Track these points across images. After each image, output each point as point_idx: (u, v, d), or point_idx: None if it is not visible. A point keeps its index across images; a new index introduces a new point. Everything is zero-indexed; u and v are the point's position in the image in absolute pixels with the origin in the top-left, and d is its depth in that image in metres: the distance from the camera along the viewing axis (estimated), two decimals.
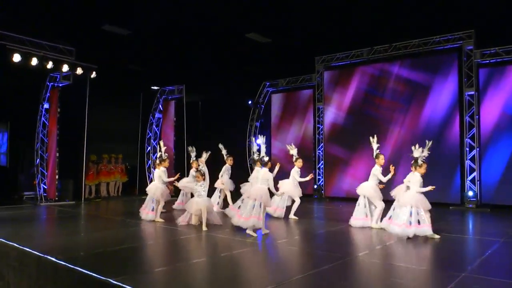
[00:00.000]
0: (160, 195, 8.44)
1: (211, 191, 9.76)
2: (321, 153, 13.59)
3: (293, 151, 9.13)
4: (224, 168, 9.96)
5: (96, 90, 12.14)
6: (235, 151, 10.25)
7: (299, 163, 8.98)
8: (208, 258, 5.68)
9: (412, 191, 6.68)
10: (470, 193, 10.66)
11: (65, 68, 10.84)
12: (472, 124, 10.80)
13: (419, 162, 6.82)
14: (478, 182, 10.64)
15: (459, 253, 6.04)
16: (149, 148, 14.50)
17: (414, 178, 6.73)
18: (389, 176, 7.50)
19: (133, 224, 8.24)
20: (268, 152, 15.30)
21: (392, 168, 7.47)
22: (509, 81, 10.48)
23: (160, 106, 14.39)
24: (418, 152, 6.86)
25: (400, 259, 5.65)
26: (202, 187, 7.60)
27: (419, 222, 6.46)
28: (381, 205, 7.55)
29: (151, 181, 14.07)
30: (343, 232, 7.47)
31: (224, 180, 9.86)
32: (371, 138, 7.95)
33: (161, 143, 9.41)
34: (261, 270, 5.17)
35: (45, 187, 11.75)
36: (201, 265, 5.20)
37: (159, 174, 8.56)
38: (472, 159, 10.75)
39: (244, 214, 6.90)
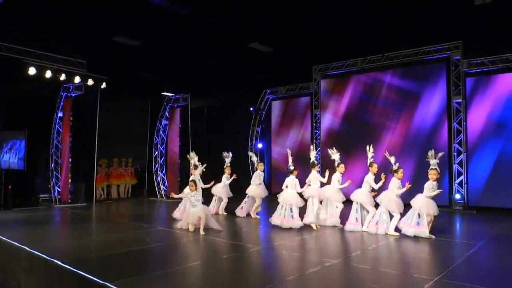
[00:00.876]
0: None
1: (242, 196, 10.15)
2: (318, 157, 14.06)
3: (335, 155, 8.66)
4: (255, 174, 9.96)
5: (107, 98, 12.67)
6: (238, 155, 10.70)
7: (341, 168, 8.49)
8: (204, 261, 5.83)
9: (421, 196, 7.22)
10: (458, 196, 11.13)
11: (77, 79, 11.44)
12: (459, 130, 11.25)
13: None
14: (465, 185, 11.09)
15: (438, 256, 6.23)
16: (156, 152, 15.22)
17: (426, 184, 7.24)
18: (380, 183, 7.82)
19: (140, 227, 8.60)
20: (268, 156, 16.01)
21: (383, 177, 7.77)
22: (494, 90, 10.93)
23: (167, 113, 14.88)
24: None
25: (379, 263, 5.74)
26: (195, 197, 7.69)
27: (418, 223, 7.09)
28: (373, 210, 7.80)
29: (158, 183, 14.90)
30: (331, 236, 7.73)
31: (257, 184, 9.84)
32: (367, 147, 8.22)
33: (191, 154, 9.71)
34: (246, 274, 5.35)
35: (59, 189, 12.26)
36: (197, 268, 5.45)
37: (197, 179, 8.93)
38: (460, 164, 11.20)
39: (286, 216, 8.05)
